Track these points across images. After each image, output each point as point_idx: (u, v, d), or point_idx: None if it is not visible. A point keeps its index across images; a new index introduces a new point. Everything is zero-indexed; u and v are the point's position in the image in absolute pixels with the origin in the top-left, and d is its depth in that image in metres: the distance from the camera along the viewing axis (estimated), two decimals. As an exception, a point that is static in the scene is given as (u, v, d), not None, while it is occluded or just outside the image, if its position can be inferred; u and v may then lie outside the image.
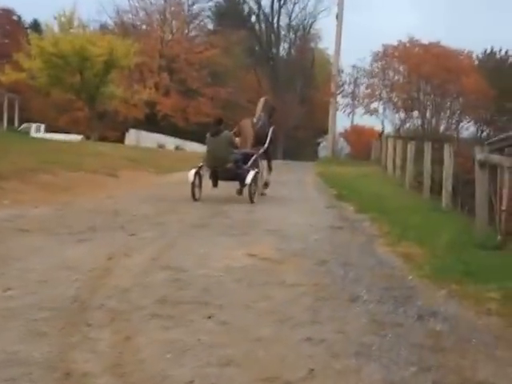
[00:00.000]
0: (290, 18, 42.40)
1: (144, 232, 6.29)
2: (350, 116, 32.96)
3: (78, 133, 29.01)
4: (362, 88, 29.53)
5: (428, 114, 27.17)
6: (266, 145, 11.03)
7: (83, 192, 9.83)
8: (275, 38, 42.31)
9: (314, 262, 5.08)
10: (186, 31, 40.98)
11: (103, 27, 37.12)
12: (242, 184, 9.66)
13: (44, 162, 11.46)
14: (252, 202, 9.47)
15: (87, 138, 26.91)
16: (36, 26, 36.07)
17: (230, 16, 39.94)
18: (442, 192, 9.97)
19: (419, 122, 27.25)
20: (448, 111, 27.63)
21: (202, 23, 42.40)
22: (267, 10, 41.93)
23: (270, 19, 42.13)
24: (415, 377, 2.82)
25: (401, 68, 28.55)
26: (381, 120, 28.94)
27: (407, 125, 27.77)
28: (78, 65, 26.08)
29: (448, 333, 3.41)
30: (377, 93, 28.72)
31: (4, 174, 9.45)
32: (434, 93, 26.97)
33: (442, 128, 27.29)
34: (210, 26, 42.54)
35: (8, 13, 38.65)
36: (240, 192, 9.74)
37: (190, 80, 36.86)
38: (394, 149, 16.85)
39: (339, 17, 31.63)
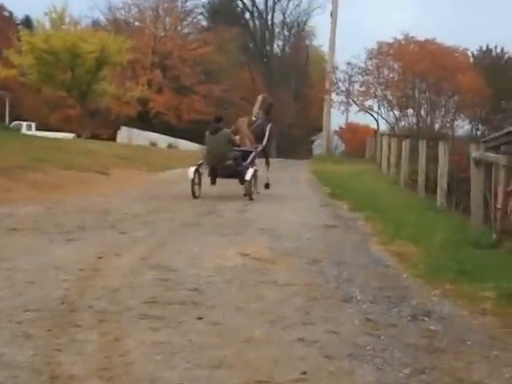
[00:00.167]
0: (284, 15, 42.34)
1: (135, 231, 6.23)
2: (345, 114, 32.94)
3: (70, 131, 28.78)
4: (357, 86, 29.46)
5: (423, 112, 27.11)
6: (264, 142, 11.09)
7: (74, 190, 9.76)
8: (269, 35, 42.20)
9: (307, 262, 5.03)
10: (180, 28, 40.76)
11: (95, 24, 36.83)
12: (242, 181, 9.77)
13: (34, 159, 11.37)
14: (251, 199, 9.58)
15: (78, 135, 26.68)
16: (27, 22, 35.71)
17: (223, 13, 39.77)
18: (437, 190, 9.93)
19: (414, 119, 27.17)
20: (443, 109, 27.58)
21: (195, 20, 42.19)
22: (261, 6, 41.84)
23: (264, 16, 42.00)
24: (409, 379, 2.78)
25: (395, 65, 28.46)
26: (375, 118, 28.91)
27: (402, 123, 27.70)
28: (69, 61, 25.84)
29: (442, 333, 3.37)
30: (371, 90, 28.58)
31: (-7, 172, 9.37)
32: (429, 91, 26.90)
33: (436, 126, 27.24)
34: (204, 23, 42.34)
35: (-1, 9, 38.32)
36: (247, 193, 9.77)
37: (183, 77, 36.68)
38: (389, 147, 16.79)
39: (333, 14, 31.57)
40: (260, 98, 12.16)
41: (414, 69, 26.37)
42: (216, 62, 36.44)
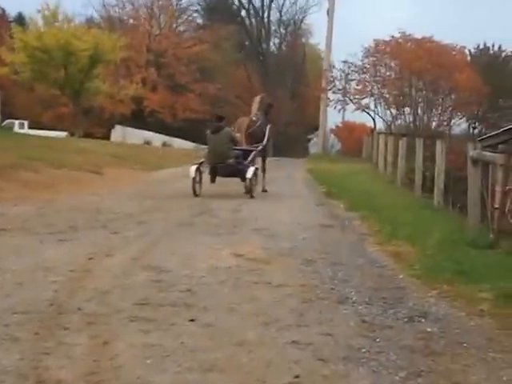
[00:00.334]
0: (280, 13, 42.00)
1: (127, 231, 6.16)
2: (341, 112, 32.83)
3: (63, 129, 28.58)
4: (353, 84, 29.32)
5: (420, 111, 26.99)
6: (264, 142, 11.20)
7: (66, 190, 9.67)
8: (265, 33, 41.92)
9: (302, 262, 4.98)
10: (175, 26, 40.49)
11: (89, 21, 36.52)
12: (243, 179, 9.95)
13: (26, 158, 11.27)
14: (252, 196, 9.80)
15: (72, 134, 26.47)
16: (20, 19, 35.40)
17: (219, 10, 39.51)
18: (434, 189, 9.88)
19: (411, 118, 27.06)
20: (440, 107, 27.48)
21: (190, 18, 41.90)
22: (257, 4, 41.42)
23: (261, 14, 41.70)
24: (405, 382, 2.73)
25: (392, 63, 28.33)
26: (372, 116, 28.80)
27: (399, 121, 27.60)
28: (62, 59, 25.63)
29: (439, 335, 3.32)
30: (368, 89, 28.46)
31: (-16, 171, 9.26)
32: (425, 89, 26.78)
33: (433, 124, 27.16)
34: (199, 21, 42.06)
35: (-9, 6, 38.01)
36: (247, 191, 9.95)
37: (178, 75, 36.46)
38: (386, 145, 16.73)
39: (330, 12, 31.44)
40: (258, 98, 12.19)
41: (411, 67, 26.27)
42: (211, 60, 36.25)
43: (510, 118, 22.24)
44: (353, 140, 30.59)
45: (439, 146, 10.04)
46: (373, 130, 26.39)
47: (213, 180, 10.18)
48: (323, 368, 2.82)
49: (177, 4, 40.07)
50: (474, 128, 29.48)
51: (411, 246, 5.70)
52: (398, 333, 3.33)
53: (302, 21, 42.35)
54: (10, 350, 2.89)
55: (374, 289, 4.21)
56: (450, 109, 27.81)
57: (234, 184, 10.37)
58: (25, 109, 32.00)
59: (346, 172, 16.50)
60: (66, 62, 25.72)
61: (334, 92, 29.77)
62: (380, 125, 28.23)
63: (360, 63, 28.66)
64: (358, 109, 28.91)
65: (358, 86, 29.05)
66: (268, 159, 12.05)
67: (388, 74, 28.43)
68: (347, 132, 33.54)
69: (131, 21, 39.25)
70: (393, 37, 28.25)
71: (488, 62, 30.76)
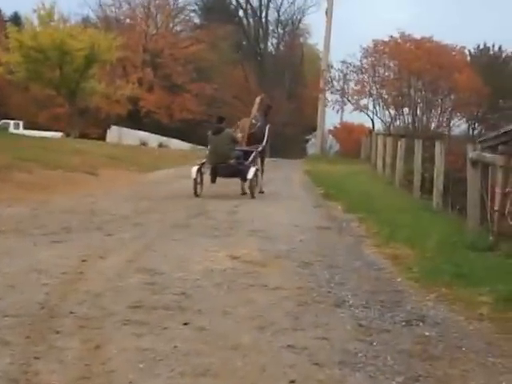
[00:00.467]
0: (278, 13, 41.78)
1: (122, 233, 6.10)
2: (339, 113, 32.67)
3: (59, 130, 28.43)
4: (352, 84, 29.19)
5: (419, 111, 26.86)
6: (264, 142, 11.33)
7: (60, 191, 9.60)
8: (263, 33, 41.79)
9: (299, 265, 4.93)
10: (171, 25, 40.31)
11: (85, 21, 36.35)
12: (244, 180, 10.06)
13: (20, 158, 11.19)
14: (253, 197, 9.92)
15: (67, 135, 26.33)
16: (16, 19, 35.26)
17: (216, 10, 39.30)
18: (433, 191, 9.83)
19: (410, 119, 26.93)
20: (439, 108, 27.36)
21: (187, 17, 41.71)
22: (255, 4, 41.21)
23: (258, 14, 41.55)
24: (403, 387, 2.68)
25: (391, 64, 28.19)
26: (371, 117, 28.66)
27: (397, 122, 27.47)
28: (57, 59, 25.46)
29: (437, 339, 3.28)
30: (366, 89, 28.33)
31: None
32: (425, 89, 26.64)
33: (433, 125, 27.04)
34: (196, 21, 41.81)
35: (-14, 5, 37.84)
36: (248, 191, 10.14)
37: (174, 75, 36.29)
38: (384, 146, 16.67)
39: (329, 11, 31.30)
40: (258, 99, 12.35)
41: (410, 67, 26.12)
42: (208, 61, 36.10)
43: (511, 119, 22.15)
44: (351, 141, 30.37)
45: (438, 147, 9.99)
46: (371, 131, 26.27)
47: (213, 180, 10.29)
48: (319, 373, 2.77)
49: (174, 3, 39.89)
50: (474, 129, 29.37)
51: (410, 249, 5.64)
52: (396, 337, 3.29)
53: (300, 21, 42.21)
54: (0, 354, 2.84)
55: (372, 292, 4.16)
56: (450, 109, 27.66)
57: (233, 184, 10.38)
58: (20, 109, 31.84)
59: (344, 173, 16.44)
60: (61, 61, 25.58)
61: (332, 92, 29.66)
62: (379, 126, 28.13)
63: (358, 63, 28.54)
64: (356, 109, 28.79)
65: (356, 86, 28.94)
66: (266, 160, 12.08)
67: (387, 74, 28.28)
68: (345, 133, 33.29)
69: (128, 20, 39.05)
70: (392, 37, 28.08)
71: (488, 62, 30.64)
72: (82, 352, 2.91)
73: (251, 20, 41.96)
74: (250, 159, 10.40)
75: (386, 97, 27.69)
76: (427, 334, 3.36)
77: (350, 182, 13.62)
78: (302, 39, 43.81)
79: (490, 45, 31.80)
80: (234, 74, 38.69)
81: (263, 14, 41.41)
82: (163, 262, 4.83)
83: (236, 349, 3.01)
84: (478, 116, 29.14)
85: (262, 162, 11.50)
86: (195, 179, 9.75)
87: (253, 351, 2.99)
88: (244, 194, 10.51)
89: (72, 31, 26.59)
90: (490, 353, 3.11)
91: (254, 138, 11.08)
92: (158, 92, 35.50)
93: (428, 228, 6.70)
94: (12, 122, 28.53)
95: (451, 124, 28.06)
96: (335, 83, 29.24)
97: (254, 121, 11.40)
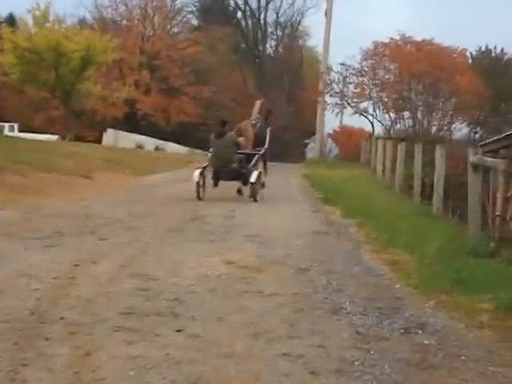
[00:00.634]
0: (277, 15, 41.57)
1: (115, 237, 6.01)
2: (339, 116, 32.47)
3: (54, 132, 28.26)
4: (351, 87, 28.99)
5: (419, 115, 26.69)
6: (266, 145, 11.36)
7: (54, 194, 9.51)
8: (262, 35, 41.61)
9: (295, 270, 4.85)
10: (169, 27, 40.04)
11: (81, 22, 36.14)
12: (247, 183, 10.10)
13: (14, 161, 11.09)
14: (255, 200, 9.93)
15: (63, 137, 26.18)
16: (11, 20, 35.08)
17: (214, 12, 39.10)
18: (433, 195, 9.75)
19: (410, 122, 26.76)
20: (440, 112, 27.17)
21: (185, 19, 41.44)
22: (254, 5, 40.94)
23: (257, 15, 41.37)
24: (401, 397, 2.61)
25: (391, 66, 27.99)
26: (370, 120, 28.49)
27: (398, 125, 27.30)
28: (52, 60, 25.25)
29: (436, 348, 3.21)
30: (366, 92, 28.13)
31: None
32: (425, 92, 26.45)
33: (433, 129, 26.87)
34: (194, 22, 41.49)
35: (-20, 6, 37.59)
36: (240, 192, 10.25)
37: (171, 78, 36.07)
38: (384, 150, 16.58)
39: (328, 13, 31.16)
40: (259, 103, 12.42)
41: (411, 70, 25.90)
42: (206, 63, 35.88)
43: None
44: (351, 145, 30.12)
45: (439, 151, 9.91)
46: (371, 135, 26.12)
47: (216, 184, 10.28)
48: (314, 381, 2.70)
49: (171, 5, 39.64)
50: (475, 133, 29.16)
51: (409, 255, 5.57)
52: (394, 345, 3.21)
53: (299, 23, 42.07)
54: (-13, 361, 2.76)
55: (370, 299, 4.09)
56: (451, 113, 27.43)
57: (233, 188, 10.35)
58: (15, 111, 31.67)
59: (343, 178, 16.36)
60: (56, 63, 25.39)
61: (331, 95, 29.37)
62: (378, 129, 27.99)
63: (358, 66, 28.32)
64: (356, 113, 28.60)
65: (356, 89, 28.72)
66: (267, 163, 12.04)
67: (387, 76, 28.04)
68: (345, 136, 33.03)
69: (124, 22, 38.81)
70: (392, 39, 27.87)
71: (490, 65, 30.43)
72: (72, 359, 2.84)
73: (250, 22, 41.78)
74: (253, 163, 10.43)
75: (386, 100, 27.49)
76: (426, 342, 3.29)
77: (349, 187, 13.53)
78: (301, 41, 43.67)
79: (491, 47, 31.62)
80: (232, 76, 38.50)
81: (262, 16, 41.29)
82: (157, 267, 4.75)
83: (230, 357, 2.94)
84: (479, 120, 28.93)
85: (265, 165, 11.49)
86: (198, 182, 9.74)
87: (247, 359, 2.92)
88: (240, 193, 10.49)
89: (67, 32, 26.41)
90: (491, 362, 3.04)
91: (255, 140, 11.11)
92: (155, 94, 35.30)
93: (428, 233, 6.62)
94: (7, 124, 28.37)
95: (452, 128, 27.87)
96: (335, 86, 29.02)
97: (253, 122, 11.42)
